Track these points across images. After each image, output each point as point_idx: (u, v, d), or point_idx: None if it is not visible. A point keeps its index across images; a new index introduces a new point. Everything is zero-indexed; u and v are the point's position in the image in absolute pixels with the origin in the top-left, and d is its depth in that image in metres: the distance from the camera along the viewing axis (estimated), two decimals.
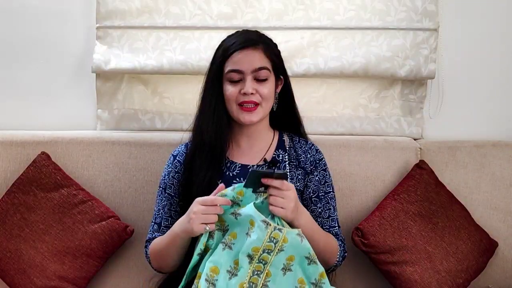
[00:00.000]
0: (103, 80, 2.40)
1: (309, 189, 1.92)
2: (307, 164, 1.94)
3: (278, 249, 1.64)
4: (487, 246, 2.22)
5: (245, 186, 1.68)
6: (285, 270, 1.66)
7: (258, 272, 1.64)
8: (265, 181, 1.66)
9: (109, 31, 2.36)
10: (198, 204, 1.69)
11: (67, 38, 2.41)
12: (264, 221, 1.64)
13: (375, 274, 2.21)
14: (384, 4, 2.37)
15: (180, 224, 1.75)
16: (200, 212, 1.67)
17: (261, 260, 1.65)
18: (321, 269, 1.68)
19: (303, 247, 1.67)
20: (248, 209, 1.67)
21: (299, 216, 1.73)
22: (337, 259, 1.88)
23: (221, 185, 1.73)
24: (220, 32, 2.32)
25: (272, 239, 1.64)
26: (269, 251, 1.64)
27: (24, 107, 2.43)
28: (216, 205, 1.68)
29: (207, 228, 1.67)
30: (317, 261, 1.68)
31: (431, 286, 2.10)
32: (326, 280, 1.68)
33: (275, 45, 1.95)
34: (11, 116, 2.43)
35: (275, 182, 1.67)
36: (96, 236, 2.12)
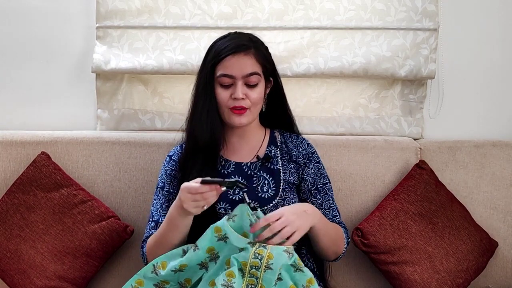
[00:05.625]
0: (103, 80, 2.40)
1: (306, 182, 1.96)
2: (300, 158, 1.97)
3: (265, 266, 1.66)
4: (487, 246, 2.22)
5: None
6: (276, 280, 1.67)
7: (252, 286, 1.66)
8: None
9: (109, 31, 2.36)
10: (185, 193, 1.70)
11: (67, 38, 2.41)
12: (250, 243, 1.69)
13: (375, 274, 2.21)
14: (384, 4, 2.37)
15: (175, 207, 1.77)
16: (189, 200, 1.69)
17: (252, 275, 1.67)
18: (309, 275, 1.70)
19: (289, 261, 1.69)
20: (233, 240, 1.70)
21: (312, 218, 1.80)
22: (345, 246, 1.95)
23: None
24: (220, 32, 2.31)
25: (257, 255, 1.67)
26: (257, 267, 1.66)
27: (24, 107, 2.43)
28: (201, 192, 1.68)
29: (205, 207, 1.71)
30: (304, 269, 1.70)
31: (431, 286, 2.10)
32: (315, 285, 1.69)
33: (266, 48, 1.95)
34: (11, 116, 2.43)
35: (260, 225, 1.70)
36: (96, 236, 2.12)
